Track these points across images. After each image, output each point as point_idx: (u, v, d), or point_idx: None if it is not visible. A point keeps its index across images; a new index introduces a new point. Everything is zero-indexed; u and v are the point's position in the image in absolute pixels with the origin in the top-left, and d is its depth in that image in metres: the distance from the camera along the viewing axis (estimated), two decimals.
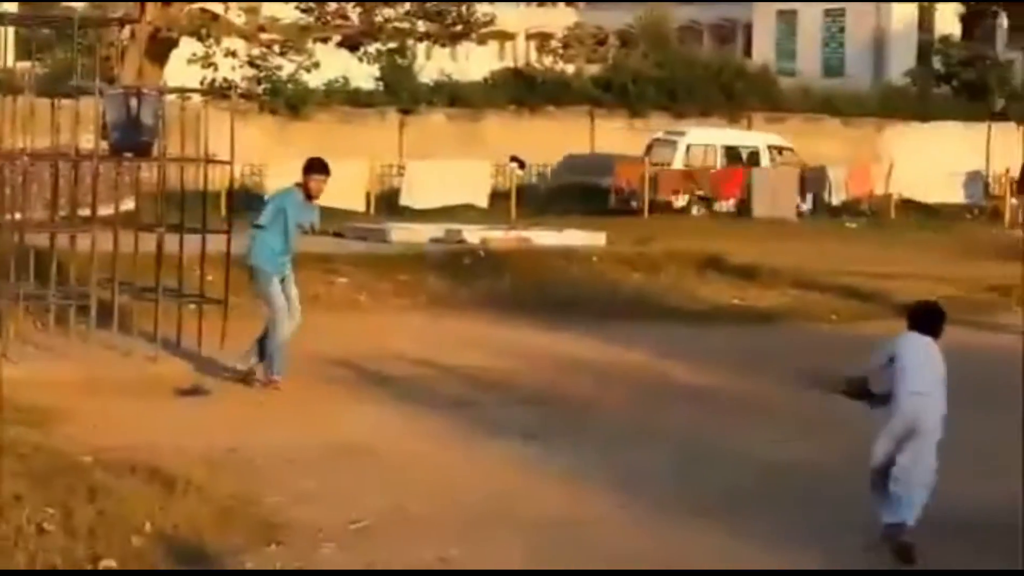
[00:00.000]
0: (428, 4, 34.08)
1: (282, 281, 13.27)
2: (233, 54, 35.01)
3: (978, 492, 9.55)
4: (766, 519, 9.04)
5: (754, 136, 37.86)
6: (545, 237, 24.98)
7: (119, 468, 9.30)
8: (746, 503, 9.48)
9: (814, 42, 55.51)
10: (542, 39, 61.22)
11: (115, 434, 10.59)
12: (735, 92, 43.31)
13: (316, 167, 13.43)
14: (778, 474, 10.25)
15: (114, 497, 8.54)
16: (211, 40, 33.69)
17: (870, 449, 8.53)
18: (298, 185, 13.45)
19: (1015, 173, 34.63)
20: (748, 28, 59.31)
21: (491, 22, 37.41)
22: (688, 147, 35.74)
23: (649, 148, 36.24)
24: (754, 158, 35.89)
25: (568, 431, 11.51)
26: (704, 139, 36.46)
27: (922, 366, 8.53)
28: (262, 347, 13.10)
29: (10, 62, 16.78)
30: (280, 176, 31.02)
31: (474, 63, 49.95)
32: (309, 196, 13.39)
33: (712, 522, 8.98)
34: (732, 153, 35.98)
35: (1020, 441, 10.56)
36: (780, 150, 36.52)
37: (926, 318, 8.79)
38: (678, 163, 35.35)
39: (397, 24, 34.09)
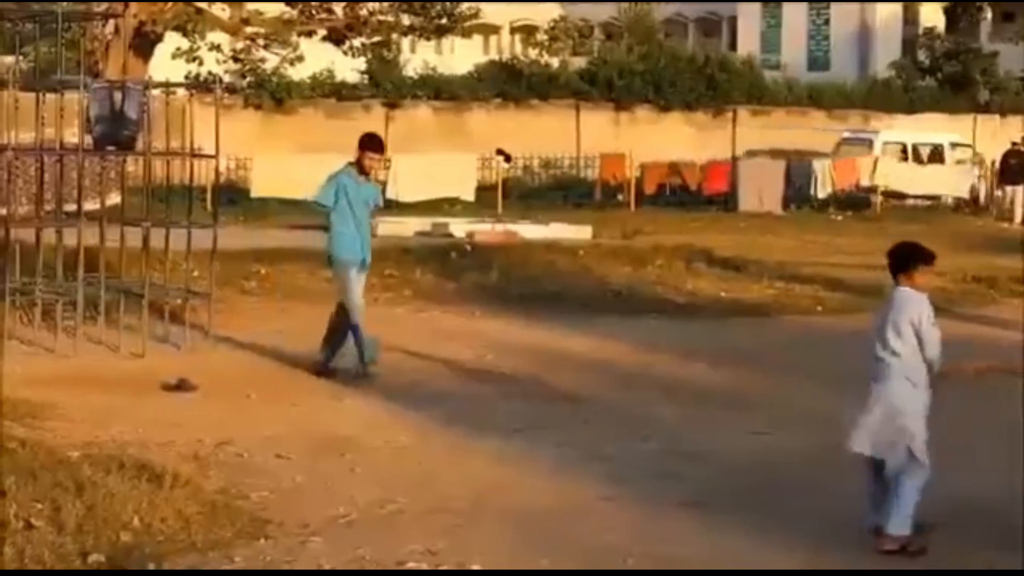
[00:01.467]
0: None
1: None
2: (217, 48, 34.97)
3: (976, 486, 9.57)
4: (751, 511, 9.06)
5: (938, 134, 38.65)
6: (532, 230, 25.02)
7: (107, 463, 9.29)
8: (731, 495, 9.50)
9: (799, 36, 55.63)
10: (527, 32, 61.25)
11: (102, 429, 10.59)
12: (720, 86, 43.36)
13: (371, 145, 13.28)
14: (763, 466, 10.27)
15: (102, 492, 8.53)
16: (195, 34, 33.64)
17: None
18: (351, 164, 13.28)
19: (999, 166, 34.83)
20: (733, 22, 59.40)
21: (476, 15, 37.42)
22: (883, 145, 36.53)
23: (838, 147, 36.96)
24: (937, 155, 36.46)
25: (554, 424, 11.53)
26: (896, 137, 37.23)
27: (882, 325, 8.30)
28: (343, 340, 13.23)
29: None
30: (266, 170, 31.19)
31: (459, 56, 49.98)
32: (363, 172, 13.27)
33: (697, 514, 9.00)
34: (917, 150, 36.74)
35: (1020, 436, 10.57)
36: (955, 146, 37.22)
37: (891, 263, 8.46)
38: None
39: (381, 17, 34.05)
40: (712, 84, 43.39)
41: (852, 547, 8.35)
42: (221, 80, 28.86)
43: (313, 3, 33.33)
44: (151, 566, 7.66)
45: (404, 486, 9.46)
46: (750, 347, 15.45)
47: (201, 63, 34.92)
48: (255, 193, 31.28)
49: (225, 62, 36.18)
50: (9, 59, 16.38)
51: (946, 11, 53.37)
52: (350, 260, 13.19)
